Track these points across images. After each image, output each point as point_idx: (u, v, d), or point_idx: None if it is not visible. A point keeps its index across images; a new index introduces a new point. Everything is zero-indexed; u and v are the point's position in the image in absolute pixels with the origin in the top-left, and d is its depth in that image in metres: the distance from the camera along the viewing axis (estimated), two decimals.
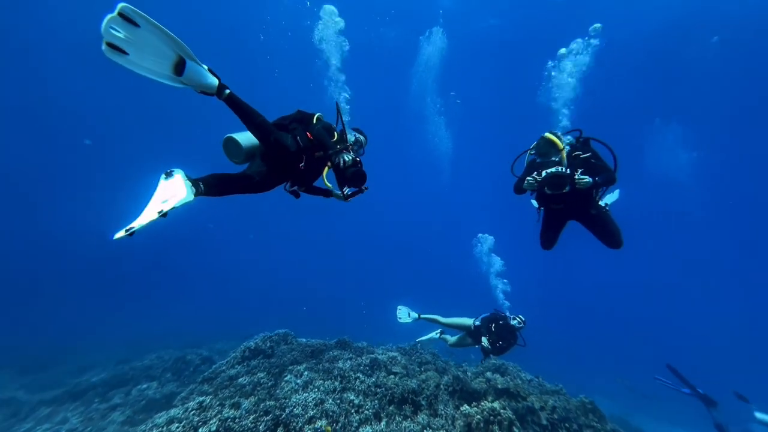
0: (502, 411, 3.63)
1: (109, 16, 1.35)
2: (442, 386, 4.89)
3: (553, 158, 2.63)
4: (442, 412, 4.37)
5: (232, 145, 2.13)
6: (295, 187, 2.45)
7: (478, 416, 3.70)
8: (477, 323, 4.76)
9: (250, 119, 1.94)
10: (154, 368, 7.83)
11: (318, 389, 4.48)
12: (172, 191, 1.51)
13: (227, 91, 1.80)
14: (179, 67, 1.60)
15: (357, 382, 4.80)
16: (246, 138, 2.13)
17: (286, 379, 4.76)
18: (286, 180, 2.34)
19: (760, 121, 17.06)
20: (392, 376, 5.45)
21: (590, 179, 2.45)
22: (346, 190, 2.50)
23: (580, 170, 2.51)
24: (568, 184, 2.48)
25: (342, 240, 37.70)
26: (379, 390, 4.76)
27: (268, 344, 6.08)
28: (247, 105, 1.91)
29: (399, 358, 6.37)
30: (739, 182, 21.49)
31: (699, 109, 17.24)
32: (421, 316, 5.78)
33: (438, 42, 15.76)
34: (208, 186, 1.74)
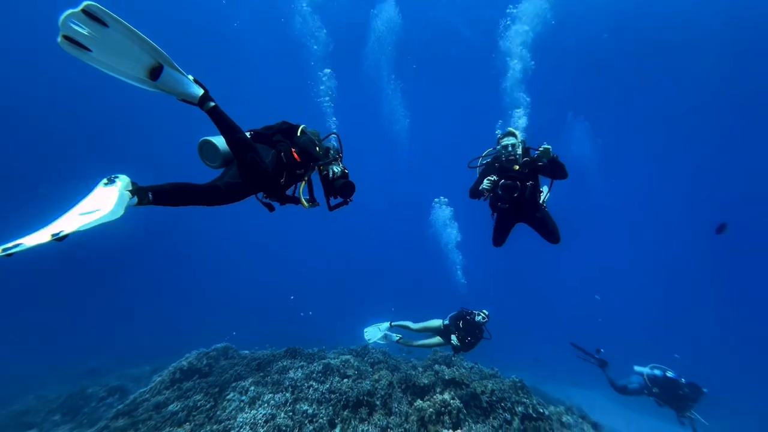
0: (451, 401, 3.97)
1: (69, 12, 1.28)
2: (395, 384, 5.06)
3: (510, 141, 3.04)
4: (397, 409, 4.54)
5: (208, 148, 2.02)
6: (268, 200, 2.32)
7: (431, 409, 3.96)
8: (446, 322, 4.94)
9: (230, 134, 1.86)
10: (32, 412, 6.06)
11: (267, 404, 4.17)
12: (99, 203, 1.25)
13: (211, 104, 1.76)
14: (155, 73, 1.57)
15: (310, 391, 4.63)
16: (224, 141, 1.98)
17: (228, 397, 4.29)
18: (260, 191, 2.23)
19: (653, 113, 19.68)
20: (346, 380, 5.41)
21: (541, 193, 2.97)
22: (331, 201, 2.49)
23: (532, 182, 2.97)
24: (518, 188, 2.91)
25: (298, 243, 35.41)
26: (333, 396, 4.67)
27: (204, 362, 5.37)
28: (229, 119, 1.85)
29: (352, 360, 6.36)
30: (640, 172, 24.28)
31: (599, 102, 19.26)
32: (393, 323, 5.70)
33: (390, 16, 15.35)
34: (160, 195, 1.52)
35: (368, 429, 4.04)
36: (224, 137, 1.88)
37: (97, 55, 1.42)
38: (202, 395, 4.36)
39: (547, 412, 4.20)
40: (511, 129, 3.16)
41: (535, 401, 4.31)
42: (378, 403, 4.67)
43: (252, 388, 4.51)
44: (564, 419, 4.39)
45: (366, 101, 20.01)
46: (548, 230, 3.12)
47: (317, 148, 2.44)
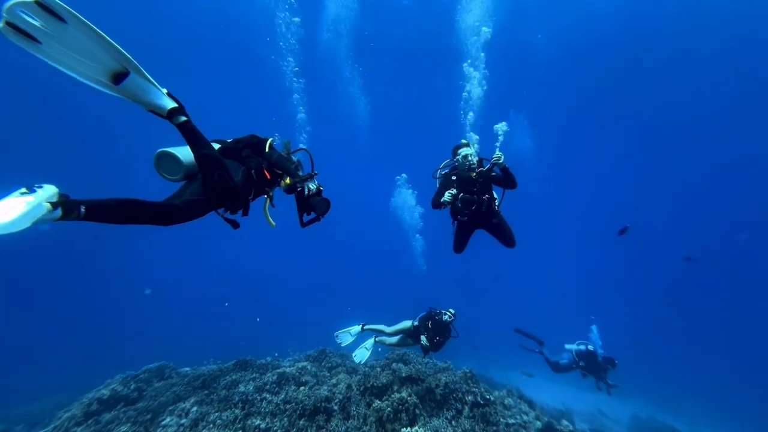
0: (408, 398, 4.12)
1: (17, 0, 1.18)
2: (354, 386, 5.06)
3: (467, 151, 3.29)
4: (355, 412, 4.54)
5: (168, 161, 1.89)
6: (229, 214, 2.18)
7: (389, 409, 4.07)
8: (416, 323, 4.97)
9: (200, 151, 1.78)
10: None
11: (213, 424, 3.81)
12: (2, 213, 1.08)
13: (182, 119, 1.69)
14: (119, 78, 1.52)
15: (263, 404, 4.37)
16: (187, 153, 1.87)
17: (164, 423, 3.81)
18: (224, 208, 2.12)
19: (586, 110, 21.50)
20: (303, 388, 5.24)
21: (494, 202, 3.26)
22: (304, 217, 2.52)
23: (488, 196, 3.27)
24: (476, 201, 3.17)
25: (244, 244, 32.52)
26: (288, 406, 4.48)
27: (132, 386, 4.67)
28: (201, 135, 1.78)
29: (309, 366, 6.17)
30: (573, 166, 26.40)
31: (536, 100, 20.06)
32: (365, 327, 5.59)
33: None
34: (97, 210, 1.33)
35: None
36: (194, 154, 1.79)
37: (48, 49, 1.33)
38: (129, 425, 3.80)
39: (492, 398, 4.64)
40: (464, 140, 3.41)
41: (482, 389, 4.72)
42: (336, 408, 4.62)
43: (194, 408, 4.08)
44: (506, 402, 4.90)
45: (325, 88, 19.37)
46: (504, 236, 3.47)
47: (293, 165, 2.44)
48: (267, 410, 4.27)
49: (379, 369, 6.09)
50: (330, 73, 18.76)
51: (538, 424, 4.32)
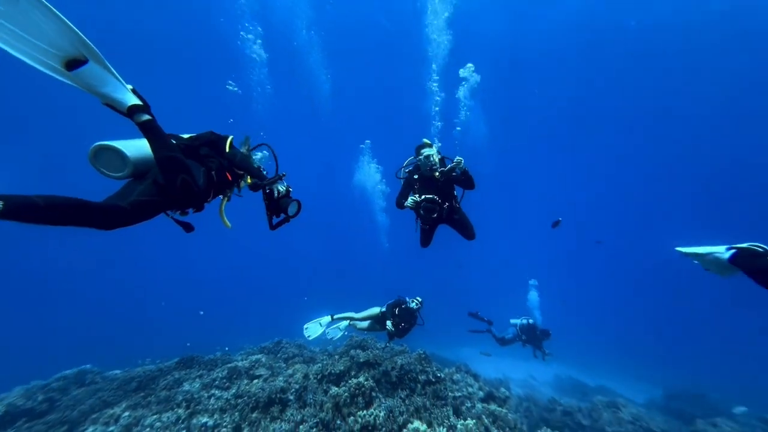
0: (365, 383, 4.25)
1: None
2: (311, 376, 5.04)
3: (429, 151, 3.38)
4: (312, 400, 4.55)
5: (110, 156, 1.69)
6: (178, 215, 2.04)
7: (345, 394, 4.15)
8: (383, 309, 5.06)
9: (164, 153, 1.68)
10: None
11: (151, 427, 3.48)
12: None
13: (145, 117, 1.60)
14: (73, 64, 1.43)
15: (211, 401, 4.12)
16: (135, 148, 1.71)
17: None
18: (177, 209, 2.00)
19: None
20: (256, 381, 5.05)
21: (456, 206, 3.41)
22: (273, 219, 2.47)
23: (448, 204, 3.41)
24: (437, 210, 3.32)
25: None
26: (240, 401, 4.30)
27: (39, 398, 3.99)
28: (164, 135, 1.70)
29: (263, 359, 5.96)
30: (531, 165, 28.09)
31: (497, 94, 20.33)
32: (334, 316, 5.50)
33: None
34: (19, 208, 1.15)
35: (280, 426, 3.92)
36: (156, 156, 1.68)
37: None
38: None
39: (442, 375, 5.03)
40: (426, 140, 3.45)
41: (434, 368, 5.08)
42: (292, 398, 4.57)
43: (126, 414, 3.67)
44: (455, 377, 5.36)
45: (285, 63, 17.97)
46: (465, 230, 3.68)
47: (258, 167, 2.40)
48: (216, 407, 4.04)
49: (337, 357, 6.15)
50: (288, 43, 17.39)
51: (481, 393, 4.83)
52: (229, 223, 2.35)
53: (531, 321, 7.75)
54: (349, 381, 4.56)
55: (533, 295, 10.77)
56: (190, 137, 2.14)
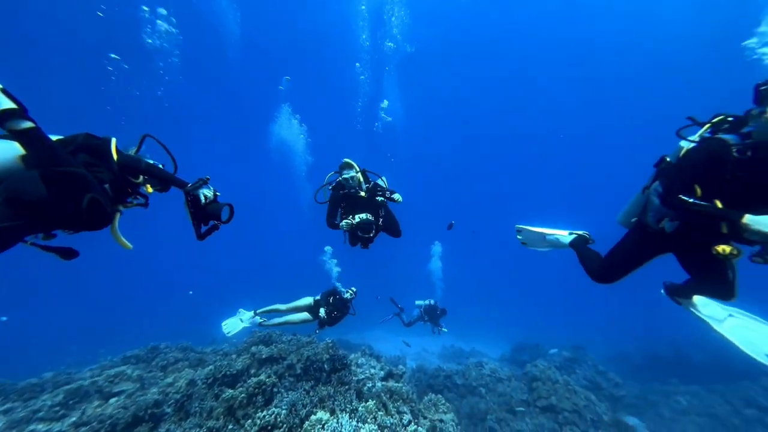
0: (267, 380, 3.99)
1: None
2: (199, 381, 4.37)
3: (351, 173, 3.42)
4: (197, 409, 3.96)
5: None
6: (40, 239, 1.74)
7: (242, 395, 3.80)
8: (317, 298, 4.96)
9: (51, 166, 1.43)
10: None
11: None
12: None
13: (26, 124, 1.36)
14: None
15: None
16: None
17: None
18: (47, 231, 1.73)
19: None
20: (115, 399, 4.02)
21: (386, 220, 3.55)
22: (201, 228, 2.23)
23: (382, 213, 3.52)
24: (373, 228, 3.42)
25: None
26: (83, 429, 3.33)
27: None
28: (52, 145, 1.47)
29: (128, 371, 4.78)
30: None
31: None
32: (257, 311, 4.98)
33: None
34: None
35: None
36: (43, 171, 1.44)
37: None
38: None
39: (348, 361, 5.23)
40: (348, 161, 3.45)
41: (341, 355, 5.23)
42: (169, 410, 3.87)
43: None
44: (359, 361, 5.67)
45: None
46: (391, 228, 3.83)
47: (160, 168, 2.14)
48: None
49: (234, 355, 5.53)
50: None
51: (382, 373, 5.30)
52: (128, 244, 2.13)
53: (432, 302, 8.94)
54: (248, 380, 4.19)
55: (435, 264, 12.30)
56: (58, 140, 1.76)
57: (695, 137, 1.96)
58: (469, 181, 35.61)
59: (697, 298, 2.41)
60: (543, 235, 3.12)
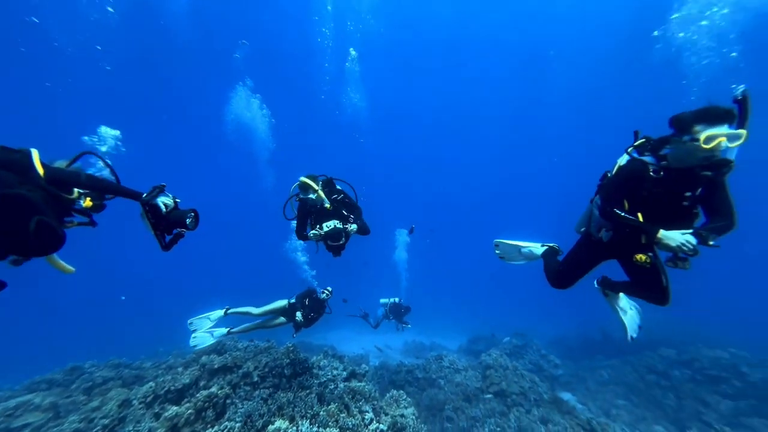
0: (219, 392, 3.68)
1: None
2: (135, 401, 3.86)
3: (311, 195, 3.32)
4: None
5: None
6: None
7: (190, 410, 3.46)
8: (292, 301, 4.81)
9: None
10: None
11: None
12: None
13: None
14: None
15: None
16: None
17: None
18: None
19: None
20: None
21: (356, 225, 3.45)
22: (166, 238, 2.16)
23: (351, 217, 3.46)
24: (342, 236, 3.39)
25: None
26: None
27: None
28: None
29: (37, 400, 4.03)
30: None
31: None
32: (229, 310, 4.66)
33: None
34: None
35: None
36: None
37: None
38: None
39: (309, 363, 5.08)
40: (306, 181, 3.27)
41: (301, 357, 5.05)
42: None
43: None
44: (321, 363, 5.53)
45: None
46: (360, 230, 3.76)
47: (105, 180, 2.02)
48: None
49: (181, 368, 5.01)
50: None
51: (345, 374, 5.24)
52: (69, 267, 2.05)
53: (397, 300, 9.10)
54: (197, 394, 3.83)
55: (401, 255, 12.50)
56: None
57: (625, 156, 2.28)
58: (431, 177, 36.86)
59: (621, 295, 2.84)
60: (518, 248, 3.35)
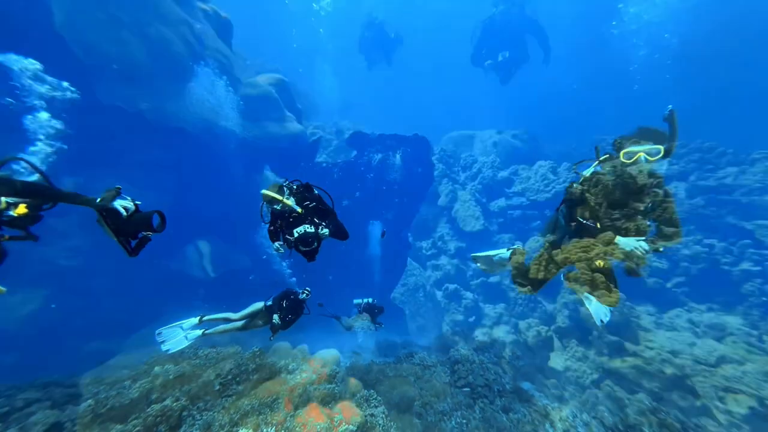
0: (174, 404, 3.40)
1: None
2: (68, 424, 3.42)
3: (277, 207, 3.23)
4: None
5: None
6: None
7: (138, 429, 3.15)
8: (269, 303, 4.62)
9: None
10: None
11: None
12: None
13: None
14: None
15: None
16: None
17: None
18: None
19: None
20: None
21: (328, 230, 3.35)
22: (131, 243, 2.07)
23: (322, 224, 3.34)
24: (315, 240, 3.31)
25: None
26: None
27: None
28: None
29: None
30: None
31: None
32: (204, 318, 4.31)
33: None
34: None
35: None
36: None
37: None
38: None
39: (278, 367, 4.90)
40: (268, 194, 3.16)
41: (269, 362, 4.85)
42: None
43: None
44: (290, 367, 5.36)
45: None
46: (337, 234, 3.66)
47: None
48: None
49: (128, 382, 4.54)
50: None
51: (314, 376, 5.13)
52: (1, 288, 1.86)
53: (370, 300, 9.10)
54: (149, 409, 3.50)
55: (374, 250, 12.41)
56: None
57: (590, 170, 2.51)
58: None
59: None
60: (491, 257, 3.47)
